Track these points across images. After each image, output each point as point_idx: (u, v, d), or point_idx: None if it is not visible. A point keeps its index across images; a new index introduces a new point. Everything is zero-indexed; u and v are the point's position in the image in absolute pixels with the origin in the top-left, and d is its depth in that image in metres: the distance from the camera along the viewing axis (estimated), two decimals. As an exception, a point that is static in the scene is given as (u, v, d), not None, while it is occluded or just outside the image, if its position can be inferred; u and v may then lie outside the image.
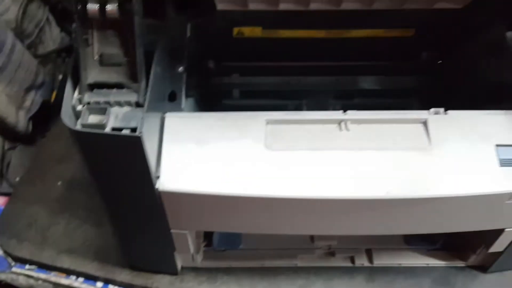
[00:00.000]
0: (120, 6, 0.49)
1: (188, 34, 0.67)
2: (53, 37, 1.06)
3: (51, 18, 1.06)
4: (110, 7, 0.49)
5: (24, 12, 0.92)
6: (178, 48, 0.65)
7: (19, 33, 0.91)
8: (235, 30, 0.74)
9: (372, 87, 0.81)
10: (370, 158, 0.57)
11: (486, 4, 0.65)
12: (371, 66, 0.79)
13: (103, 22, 0.52)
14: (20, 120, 0.90)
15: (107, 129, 0.51)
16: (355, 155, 0.57)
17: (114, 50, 0.53)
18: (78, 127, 0.51)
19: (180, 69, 0.63)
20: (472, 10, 0.65)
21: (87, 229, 0.82)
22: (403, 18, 0.70)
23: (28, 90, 0.91)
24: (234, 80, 0.80)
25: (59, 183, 0.89)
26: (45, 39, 1.02)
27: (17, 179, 0.91)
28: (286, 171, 0.56)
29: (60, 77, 1.07)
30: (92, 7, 0.49)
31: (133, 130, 0.51)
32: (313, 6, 0.64)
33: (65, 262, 0.79)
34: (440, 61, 0.77)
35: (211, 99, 0.76)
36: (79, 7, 0.49)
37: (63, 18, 1.09)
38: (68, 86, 0.53)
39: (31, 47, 0.98)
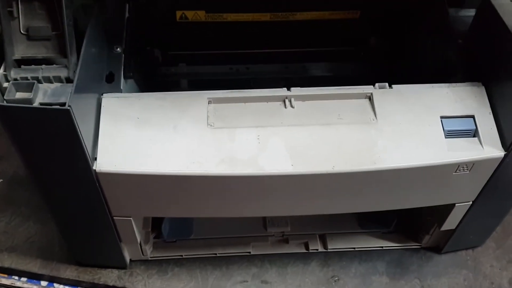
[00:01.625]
0: (44, -24, 0.46)
1: (127, 14, 0.65)
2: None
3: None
4: (35, -24, 0.46)
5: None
6: (116, 28, 0.62)
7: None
8: (178, 13, 0.72)
9: (321, 74, 0.81)
10: (316, 133, 0.56)
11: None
12: (319, 52, 0.79)
13: (28, -7, 0.49)
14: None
15: (35, 105, 0.48)
16: (300, 131, 0.56)
17: (42, 23, 0.50)
18: (3, 103, 0.48)
19: (118, 49, 0.61)
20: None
21: (30, 226, 0.78)
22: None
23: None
24: (181, 70, 0.78)
25: (0, 180, 0.85)
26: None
27: (-45, 178, 0.87)
28: (228, 149, 0.54)
29: None
30: (15, -25, 0.46)
31: (63, 105, 0.48)
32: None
33: (6, 261, 0.74)
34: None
35: (157, 87, 0.73)
36: (0, -25, 0.46)
37: None
38: (-8, 62, 0.50)
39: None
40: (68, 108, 0.46)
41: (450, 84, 0.59)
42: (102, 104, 0.56)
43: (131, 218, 0.62)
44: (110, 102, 0.56)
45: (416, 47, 0.71)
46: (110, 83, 0.59)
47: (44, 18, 0.50)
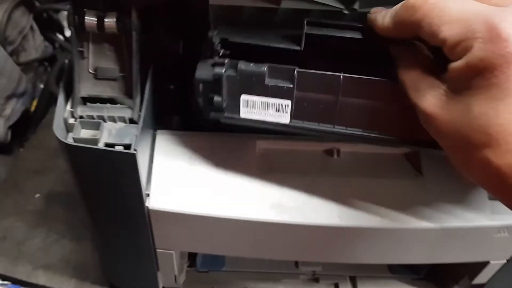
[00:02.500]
0: (118, 21, 0.48)
1: (181, 52, 0.66)
2: (36, 46, 1.04)
3: (35, 26, 1.03)
4: (108, 22, 0.48)
5: (8, 19, 0.90)
6: (171, 65, 0.64)
7: (2, 40, 0.89)
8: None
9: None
10: (362, 186, 0.57)
11: None
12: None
13: (100, 35, 0.50)
14: (-1, 128, 0.88)
15: (100, 145, 0.49)
16: (348, 182, 0.57)
17: (110, 64, 0.52)
18: (70, 140, 0.49)
19: (172, 86, 0.63)
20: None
21: (65, 244, 0.80)
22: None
23: (9, 98, 0.88)
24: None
25: (37, 195, 0.86)
26: (27, 47, 1.00)
27: (-8, 189, 0.88)
28: (276, 195, 0.56)
29: (42, 86, 1.05)
30: (90, 20, 0.48)
31: (126, 146, 0.49)
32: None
33: (41, 278, 0.76)
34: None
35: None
36: (76, 19, 0.48)
37: (47, 27, 1.07)
38: (61, 98, 0.52)
39: (13, 54, 0.96)
40: (134, 152, 0.47)
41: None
42: (156, 141, 0.58)
43: (173, 252, 0.63)
44: (164, 139, 0.58)
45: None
46: (163, 118, 0.61)
47: (112, 60, 0.52)
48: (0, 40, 0.88)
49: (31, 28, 1.02)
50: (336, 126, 0.45)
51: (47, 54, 1.07)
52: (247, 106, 0.46)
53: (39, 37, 1.05)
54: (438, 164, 0.58)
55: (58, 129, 0.49)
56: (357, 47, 0.44)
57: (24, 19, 0.98)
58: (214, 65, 0.46)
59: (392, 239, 0.58)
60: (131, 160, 0.48)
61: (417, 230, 0.56)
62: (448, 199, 0.57)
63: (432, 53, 0.39)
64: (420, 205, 0.56)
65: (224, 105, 0.46)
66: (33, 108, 0.99)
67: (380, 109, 0.43)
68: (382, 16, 0.40)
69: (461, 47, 0.33)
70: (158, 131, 0.59)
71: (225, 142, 0.59)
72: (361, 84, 0.43)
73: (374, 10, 0.43)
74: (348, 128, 0.45)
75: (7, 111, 0.89)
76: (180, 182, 0.56)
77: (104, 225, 0.61)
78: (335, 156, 0.59)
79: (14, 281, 0.76)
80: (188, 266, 0.76)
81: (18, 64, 0.96)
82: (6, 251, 0.79)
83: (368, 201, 0.56)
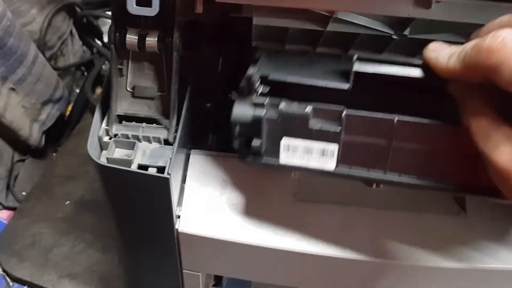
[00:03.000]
0: (160, 41, 0.47)
1: (219, 68, 0.65)
2: (74, 51, 1.05)
3: (74, 31, 1.04)
4: (150, 41, 0.47)
5: (49, 24, 0.91)
6: (209, 83, 0.63)
7: (42, 45, 0.90)
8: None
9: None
10: (401, 220, 0.54)
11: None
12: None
13: (140, 53, 0.49)
14: (33, 133, 0.88)
15: (133, 166, 0.48)
16: (385, 215, 0.55)
17: (148, 83, 0.51)
18: (103, 160, 0.48)
19: (208, 104, 0.61)
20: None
21: (92, 254, 0.80)
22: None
23: (45, 103, 0.89)
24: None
25: (67, 202, 0.87)
26: (66, 52, 1.01)
27: (24, 193, 0.89)
28: (310, 225, 0.54)
29: (77, 91, 1.05)
30: (131, 38, 0.47)
31: (160, 169, 0.48)
32: (351, 53, 0.62)
33: (66, 287, 0.76)
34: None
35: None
36: (117, 37, 0.47)
37: (86, 32, 1.08)
38: (97, 115, 0.51)
39: (52, 59, 0.96)
40: (168, 176, 0.46)
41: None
42: (190, 161, 0.56)
43: (199, 273, 0.62)
44: (198, 160, 0.57)
45: None
46: (198, 138, 0.59)
47: (151, 79, 0.51)
48: (40, 46, 0.88)
49: (71, 33, 1.03)
50: (388, 173, 0.41)
51: (84, 59, 1.08)
52: (288, 150, 0.42)
53: (77, 42, 1.06)
54: (482, 201, 0.56)
55: (92, 147, 0.48)
56: (412, 85, 0.41)
57: (64, 25, 0.98)
58: (254, 105, 0.42)
59: (430, 279, 0.56)
60: (164, 184, 0.47)
61: (456, 270, 0.54)
62: (491, 240, 0.54)
63: (504, 99, 0.34)
64: (461, 245, 0.54)
65: (263, 149, 0.42)
66: (67, 113, 1.00)
67: (439, 155, 0.39)
68: (447, 57, 0.37)
69: None
70: (192, 151, 0.57)
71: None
72: (417, 128, 0.39)
73: (433, 47, 0.39)
74: (401, 175, 0.41)
75: (43, 116, 0.90)
76: (211, 206, 0.54)
77: (132, 243, 0.60)
78: (375, 186, 0.57)
79: (40, 288, 0.77)
80: (213, 285, 0.74)
81: (57, 69, 0.97)
82: (34, 258, 0.79)
83: (406, 237, 0.54)
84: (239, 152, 0.44)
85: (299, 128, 0.40)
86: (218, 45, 0.65)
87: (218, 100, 0.63)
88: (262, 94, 0.43)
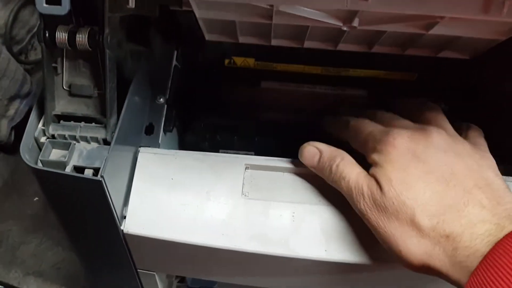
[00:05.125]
0: (90, 38, 0.45)
1: (174, 63, 0.63)
2: (48, 43, 1.03)
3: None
4: (80, 38, 0.45)
5: (15, 18, 0.89)
6: (161, 78, 0.61)
7: (8, 40, 0.88)
8: (226, 60, 0.70)
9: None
10: (356, 215, 0.52)
11: (497, 57, 0.60)
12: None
13: (75, 51, 0.48)
14: (1, 129, 0.87)
15: (68, 168, 0.47)
16: (339, 212, 0.53)
17: (85, 81, 0.49)
18: (38, 163, 0.47)
19: (161, 100, 0.60)
20: (480, 61, 0.61)
21: (59, 252, 0.79)
22: (406, 62, 0.65)
23: (12, 99, 0.87)
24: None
25: (36, 199, 0.86)
26: (37, 45, 0.99)
27: (-7, 190, 0.88)
28: (260, 224, 0.52)
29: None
30: (61, 36, 0.45)
31: (97, 170, 0.47)
32: (308, 45, 0.60)
33: (32, 285, 0.75)
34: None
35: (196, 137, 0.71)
36: (46, 35, 0.45)
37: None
38: (33, 115, 0.49)
39: (22, 53, 0.95)
40: (100, 179, 0.45)
41: None
42: (138, 160, 0.55)
43: (155, 273, 0.61)
44: (146, 158, 0.55)
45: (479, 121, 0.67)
46: (149, 135, 0.58)
47: (87, 77, 0.49)
48: (5, 41, 0.87)
49: (42, 26, 1.01)
50: None
51: (58, 52, 1.05)
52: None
53: (50, 35, 1.04)
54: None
55: (25, 149, 0.47)
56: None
57: (33, 18, 0.96)
58: None
59: (383, 276, 0.54)
60: (98, 186, 0.45)
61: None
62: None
63: None
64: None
65: None
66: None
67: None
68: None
69: None
70: (141, 149, 0.56)
71: (211, 163, 0.55)
72: None
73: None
74: None
75: (11, 111, 0.88)
76: (158, 206, 0.53)
77: (81, 244, 0.59)
78: (329, 181, 0.55)
79: (6, 286, 0.76)
80: (179, 282, 0.73)
81: (27, 63, 0.95)
82: (1, 255, 0.78)
83: (361, 234, 0.52)
84: None
85: None
86: (169, 39, 0.64)
87: (174, 95, 0.61)
88: None
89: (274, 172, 0.55)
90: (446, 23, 0.47)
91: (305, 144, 0.52)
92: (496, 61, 0.60)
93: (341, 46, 0.60)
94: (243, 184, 0.54)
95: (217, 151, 0.69)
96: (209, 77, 0.71)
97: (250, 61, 0.70)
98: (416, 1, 0.41)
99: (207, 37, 0.61)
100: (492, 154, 0.49)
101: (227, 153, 0.69)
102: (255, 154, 0.70)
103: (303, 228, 0.52)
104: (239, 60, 0.70)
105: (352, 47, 0.60)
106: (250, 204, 0.53)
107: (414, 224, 0.41)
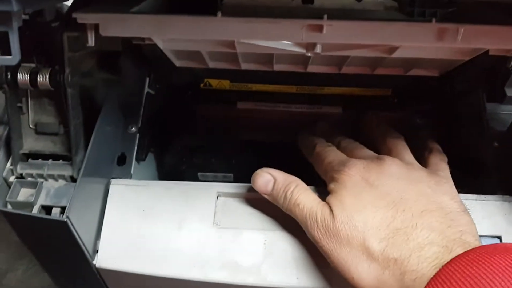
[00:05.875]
0: (51, 78, 0.46)
1: (146, 90, 0.63)
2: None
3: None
4: (41, 79, 0.46)
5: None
6: (133, 106, 0.61)
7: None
8: (203, 81, 0.70)
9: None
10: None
11: (465, 73, 0.60)
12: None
13: (39, 90, 0.48)
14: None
15: (36, 208, 0.47)
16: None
17: (50, 119, 0.50)
18: (6, 204, 0.47)
19: (133, 129, 0.60)
20: (450, 79, 0.61)
21: (45, 277, 0.79)
22: (379, 79, 0.65)
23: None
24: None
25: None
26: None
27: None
28: (232, 253, 0.52)
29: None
30: (22, 77, 0.46)
31: (64, 208, 0.47)
32: (278, 68, 0.60)
33: (19, 312, 0.76)
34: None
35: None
36: (8, 77, 0.46)
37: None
38: (1, 155, 0.50)
39: None
40: (65, 220, 0.45)
41: (478, 196, 0.54)
42: (109, 192, 0.55)
43: (134, 302, 0.61)
44: (117, 190, 0.55)
45: (448, 136, 0.67)
46: (121, 166, 0.58)
47: (52, 114, 0.50)
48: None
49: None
50: None
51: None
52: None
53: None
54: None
55: (-6, 190, 0.47)
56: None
57: None
58: None
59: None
60: (64, 227, 0.46)
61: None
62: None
63: None
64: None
65: None
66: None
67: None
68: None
69: None
70: (113, 181, 0.56)
71: (182, 192, 0.56)
72: None
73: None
74: None
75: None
76: (130, 238, 0.53)
77: (59, 278, 0.59)
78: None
79: (-7, 314, 0.76)
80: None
81: None
82: (-12, 284, 0.79)
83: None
84: None
85: None
86: (140, 66, 0.64)
87: (146, 123, 0.61)
88: None
89: (247, 199, 0.55)
90: (405, 48, 0.47)
91: (258, 171, 0.51)
92: (464, 76, 0.60)
93: (311, 68, 0.60)
94: (215, 212, 0.54)
95: (196, 174, 0.70)
96: (185, 100, 0.71)
97: (225, 83, 0.70)
98: (371, 33, 0.41)
99: (177, 63, 0.61)
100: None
101: (205, 175, 0.69)
102: (234, 175, 0.70)
103: (275, 256, 0.52)
104: (214, 82, 0.70)
105: (322, 68, 0.60)
106: (221, 233, 0.53)
107: (364, 248, 0.42)
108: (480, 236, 0.52)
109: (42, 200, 0.48)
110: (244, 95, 0.71)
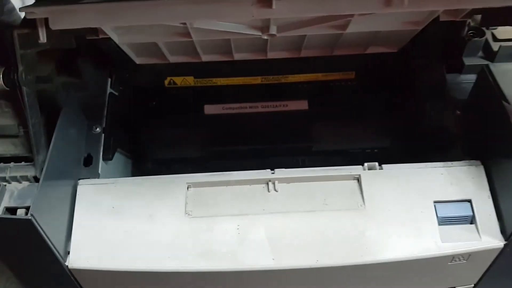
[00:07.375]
0: (5, 77, 0.45)
1: (109, 90, 0.63)
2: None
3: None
4: (-5, 78, 0.45)
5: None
6: (96, 107, 0.61)
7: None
8: (166, 81, 0.70)
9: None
10: (299, 222, 0.52)
11: (422, 47, 0.61)
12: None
13: (-6, 91, 0.47)
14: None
15: (0, 210, 0.46)
16: (283, 219, 0.53)
17: (9, 121, 0.49)
18: (-32, 209, 0.46)
19: (97, 129, 0.59)
20: (409, 53, 0.62)
21: (24, 294, 0.77)
22: (341, 62, 0.66)
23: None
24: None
25: None
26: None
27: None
28: (206, 241, 0.52)
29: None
30: (-25, 78, 0.45)
31: (28, 209, 0.46)
32: (238, 57, 0.60)
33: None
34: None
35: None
36: (-40, 79, 0.45)
37: None
38: (-39, 161, 0.49)
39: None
40: (30, 218, 0.44)
41: (445, 163, 0.55)
42: (77, 192, 0.54)
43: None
44: (86, 190, 0.54)
45: (414, 110, 0.68)
46: (87, 166, 0.57)
47: (10, 116, 0.49)
48: None
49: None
50: None
51: None
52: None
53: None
54: (381, 189, 0.54)
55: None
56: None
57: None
58: None
59: (337, 278, 0.54)
60: (29, 226, 0.45)
61: (362, 266, 0.52)
62: (393, 229, 0.52)
63: None
64: (364, 239, 0.52)
65: None
66: None
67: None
68: None
69: None
70: (80, 181, 0.55)
71: (152, 186, 0.55)
72: None
73: None
74: None
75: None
76: (102, 236, 0.52)
77: (32, 283, 0.58)
78: (272, 190, 0.55)
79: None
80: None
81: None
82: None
83: (306, 239, 0.52)
84: None
85: None
86: (101, 67, 0.64)
87: (110, 123, 0.61)
88: None
89: (217, 187, 0.55)
90: (358, 21, 0.48)
91: None
92: (422, 49, 0.61)
93: (271, 55, 0.61)
94: (186, 203, 0.54)
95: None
96: (151, 98, 0.71)
97: (190, 79, 0.70)
98: (319, 3, 0.42)
99: (137, 61, 0.61)
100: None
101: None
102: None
103: (249, 240, 0.52)
104: (178, 80, 0.70)
105: (282, 54, 0.61)
106: (194, 222, 0.53)
107: None
108: (451, 201, 0.53)
109: (5, 203, 0.47)
110: (209, 93, 0.71)
